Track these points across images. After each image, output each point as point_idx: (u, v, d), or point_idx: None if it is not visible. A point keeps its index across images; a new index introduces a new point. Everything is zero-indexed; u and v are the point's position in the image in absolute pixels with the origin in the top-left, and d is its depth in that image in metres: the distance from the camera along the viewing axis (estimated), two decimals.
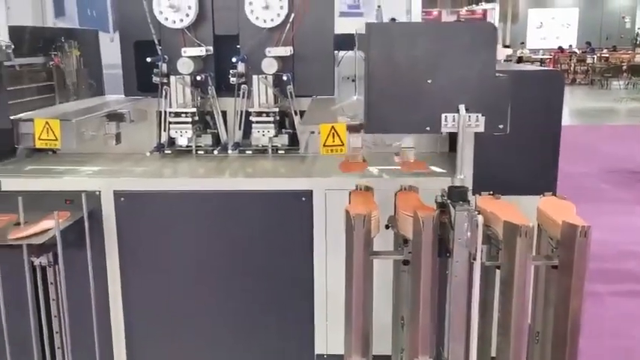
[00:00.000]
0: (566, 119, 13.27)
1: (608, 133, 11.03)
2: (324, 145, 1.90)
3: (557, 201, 1.91)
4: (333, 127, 1.89)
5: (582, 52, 20.20)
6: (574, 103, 15.58)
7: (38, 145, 2.17)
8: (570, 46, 22.15)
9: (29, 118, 2.18)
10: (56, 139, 2.12)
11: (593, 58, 18.72)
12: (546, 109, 2.22)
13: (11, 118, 2.32)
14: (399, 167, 2.25)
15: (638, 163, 8.03)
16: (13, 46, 1.93)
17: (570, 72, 18.23)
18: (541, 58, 19.80)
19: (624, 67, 16.52)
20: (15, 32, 2.04)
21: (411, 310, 1.89)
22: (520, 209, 1.80)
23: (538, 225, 1.86)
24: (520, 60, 18.13)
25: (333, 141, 1.91)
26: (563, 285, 1.69)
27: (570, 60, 18.85)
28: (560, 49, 20.52)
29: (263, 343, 2.46)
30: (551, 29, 24.87)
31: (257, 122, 2.66)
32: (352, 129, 1.96)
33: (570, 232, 1.63)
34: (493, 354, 1.95)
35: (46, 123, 2.11)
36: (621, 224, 5.82)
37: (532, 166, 2.27)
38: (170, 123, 2.66)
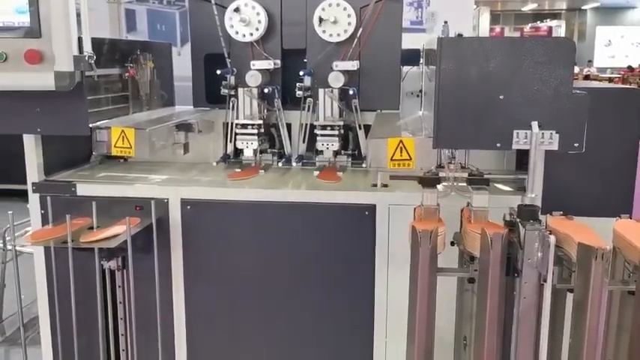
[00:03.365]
0: None
1: None
2: (392, 160, 1.89)
3: (635, 224, 1.82)
4: (401, 141, 1.88)
5: None
6: None
7: (114, 152, 2.26)
8: None
9: (106, 127, 2.27)
10: (130, 147, 2.20)
11: None
12: (623, 128, 2.14)
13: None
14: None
15: None
16: (95, 57, 2.01)
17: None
18: (609, 77, 19.11)
19: None
20: (94, 44, 2.13)
21: (475, 330, 1.85)
22: (596, 234, 1.74)
23: (614, 248, 1.79)
24: (587, 78, 17.56)
25: (401, 155, 1.89)
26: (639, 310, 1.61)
27: None
28: (630, 68, 19.76)
29: (322, 356, 2.46)
30: (620, 47, 24.00)
31: (322, 135, 2.68)
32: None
33: None
34: None
35: (122, 131, 2.19)
36: None
37: (607, 187, 2.19)
38: (237, 134, 2.71)
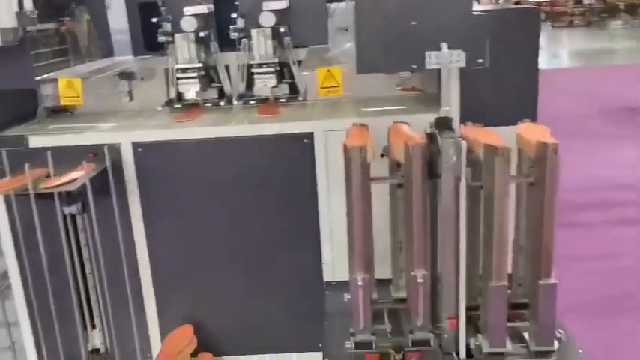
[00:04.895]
0: (565, 61, 13.33)
1: (606, 73, 11.11)
2: (322, 88, 2.10)
3: (534, 126, 2.11)
4: (329, 70, 2.08)
5: None
6: (572, 45, 15.55)
7: (63, 102, 2.38)
8: None
9: (52, 79, 2.38)
10: (79, 96, 2.32)
11: None
12: (524, 44, 2.40)
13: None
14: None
15: (635, 100, 8.18)
16: (37, 13, 2.11)
17: (568, 14, 18.11)
18: (538, 1, 19.60)
19: (621, 7, 16.41)
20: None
21: (406, 232, 2.11)
22: (501, 137, 2.00)
23: (518, 149, 2.07)
24: (518, 3, 17.98)
25: (330, 83, 2.10)
26: (538, 199, 1.90)
27: (567, 2, 18.69)
28: None
29: (275, 277, 2.71)
30: None
31: (258, 73, 2.85)
32: None
33: (542, 150, 1.83)
34: None
35: (69, 81, 2.31)
36: (619, 158, 6.04)
37: (513, 98, 2.47)
38: (178, 79, 2.85)
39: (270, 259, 2.68)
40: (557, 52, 14.26)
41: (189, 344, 2.65)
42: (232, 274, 2.72)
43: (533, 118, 2.33)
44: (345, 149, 1.94)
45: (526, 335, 2.02)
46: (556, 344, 1.96)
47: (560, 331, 2.04)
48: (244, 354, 2.78)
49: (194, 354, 2.68)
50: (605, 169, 5.69)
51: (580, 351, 2.03)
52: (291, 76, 2.91)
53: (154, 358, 2.72)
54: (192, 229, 2.66)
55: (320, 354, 2.21)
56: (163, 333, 2.73)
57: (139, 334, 2.73)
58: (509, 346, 1.97)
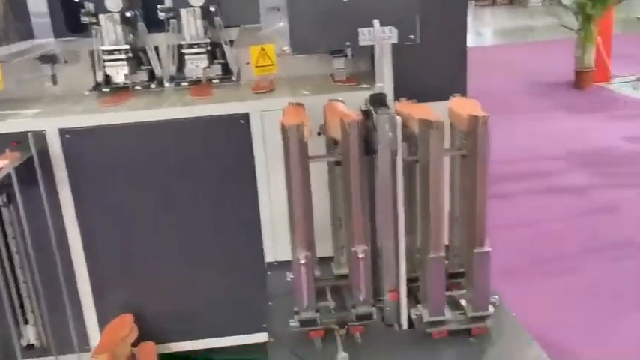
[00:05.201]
0: (489, 39, 13.74)
1: (528, 49, 11.54)
2: (257, 67, 2.07)
3: (465, 100, 2.17)
4: (262, 48, 2.06)
5: None
6: (495, 23, 16.03)
7: None
8: None
9: None
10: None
11: None
12: (453, 22, 2.46)
13: None
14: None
15: (555, 75, 8.55)
16: None
17: None
18: None
19: None
20: None
21: (345, 209, 2.14)
22: (435, 111, 2.05)
23: (450, 123, 2.13)
24: None
25: (264, 61, 2.08)
26: (471, 171, 1.96)
27: None
28: None
29: (216, 260, 2.68)
30: None
31: (189, 54, 2.78)
32: None
33: (474, 123, 1.89)
34: None
35: None
36: (542, 131, 6.33)
37: (444, 75, 2.53)
38: (105, 61, 2.75)
39: (210, 243, 2.66)
40: (480, 30, 14.67)
41: (130, 333, 2.60)
42: (171, 260, 2.67)
43: (463, 93, 2.41)
44: (283, 128, 1.94)
45: (463, 302, 2.10)
46: (491, 309, 2.05)
47: (495, 296, 2.13)
48: (188, 340, 2.75)
49: (135, 343, 2.62)
50: (528, 141, 5.94)
51: (513, 314, 2.13)
52: (224, 57, 2.86)
53: (92, 349, 2.65)
54: (128, 217, 2.59)
55: (264, 335, 2.22)
56: (102, 324, 2.66)
57: (76, 327, 2.65)
58: (448, 314, 2.04)
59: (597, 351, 2.86)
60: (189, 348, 2.77)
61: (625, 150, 5.57)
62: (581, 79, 7.94)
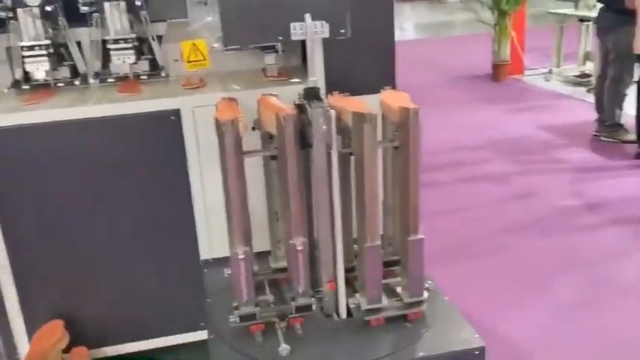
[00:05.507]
0: (410, 34, 14.07)
1: (449, 43, 11.92)
2: (188, 62, 2.05)
3: (396, 93, 2.23)
4: (194, 43, 2.03)
5: None
6: (416, 18, 16.45)
7: None
8: None
9: None
10: None
11: None
12: (381, 16, 2.52)
13: None
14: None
15: (474, 68, 8.89)
16: None
17: None
18: None
19: None
20: None
21: (282, 201, 2.15)
22: (366, 104, 2.10)
23: (382, 115, 2.18)
24: None
25: (196, 56, 2.06)
26: (403, 161, 2.02)
27: None
28: None
29: (150, 260, 2.63)
30: None
31: (115, 50, 2.70)
32: None
33: (405, 115, 1.95)
34: None
35: None
36: (466, 122, 6.58)
37: (374, 68, 2.59)
38: (24, 57, 2.62)
39: (143, 243, 2.60)
40: (402, 25, 15.00)
41: (61, 340, 2.51)
42: (102, 262, 2.59)
43: (393, 86, 2.47)
44: (217, 123, 1.92)
45: (399, 289, 2.16)
46: (425, 294, 2.12)
47: (429, 281, 2.21)
48: (123, 343, 2.68)
49: (67, 350, 2.53)
50: (451, 132, 6.17)
51: (446, 298, 2.22)
52: (151, 52, 2.80)
53: (21, 359, 2.54)
54: (54, 219, 2.49)
55: (204, 332, 2.21)
56: (30, 332, 2.55)
57: (2, 336, 2.53)
58: (385, 302, 2.10)
59: (524, 326, 3.03)
60: (126, 351, 2.70)
61: (540, 138, 5.89)
62: (498, 72, 8.30)
